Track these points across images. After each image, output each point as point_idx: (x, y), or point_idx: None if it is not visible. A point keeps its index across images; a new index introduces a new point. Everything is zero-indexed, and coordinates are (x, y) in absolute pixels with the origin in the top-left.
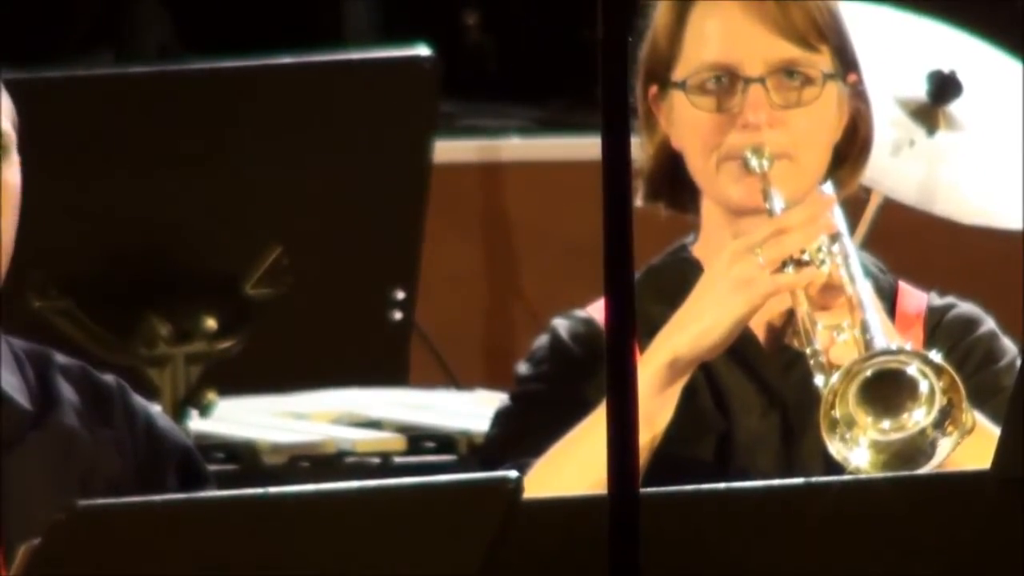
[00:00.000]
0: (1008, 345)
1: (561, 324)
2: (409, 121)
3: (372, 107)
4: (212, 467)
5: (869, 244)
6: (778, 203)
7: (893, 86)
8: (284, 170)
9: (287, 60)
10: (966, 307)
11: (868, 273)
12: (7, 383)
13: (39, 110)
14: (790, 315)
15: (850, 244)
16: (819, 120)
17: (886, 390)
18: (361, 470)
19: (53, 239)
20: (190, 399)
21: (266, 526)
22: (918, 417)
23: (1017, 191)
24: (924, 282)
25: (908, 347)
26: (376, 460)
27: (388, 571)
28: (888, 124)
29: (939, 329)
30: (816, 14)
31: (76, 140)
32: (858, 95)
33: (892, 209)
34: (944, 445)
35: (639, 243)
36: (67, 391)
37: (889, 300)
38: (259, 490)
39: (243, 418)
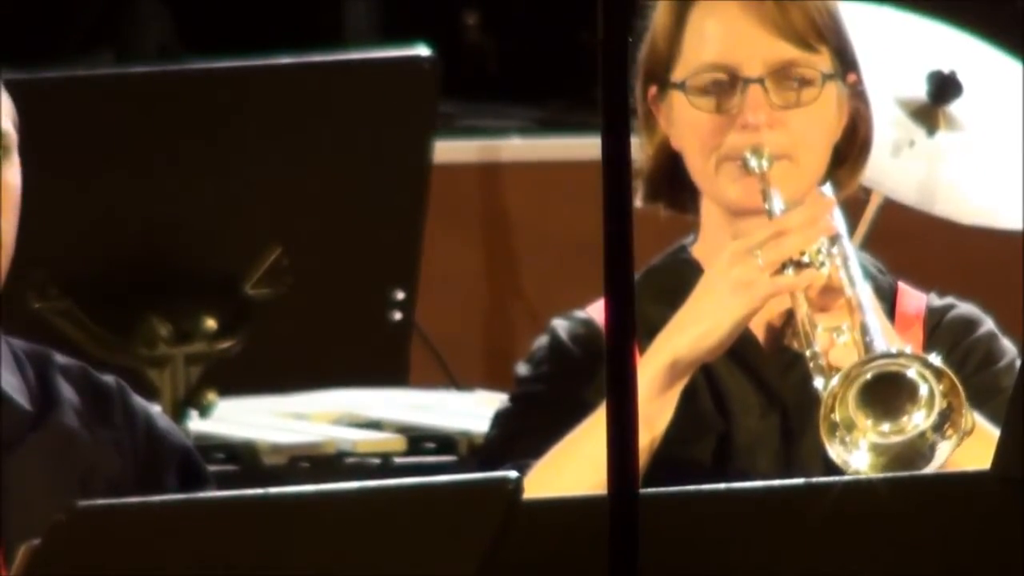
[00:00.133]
0: (1008, 346)
1: (561, 325)
2: (409, 121)
3: (372, 107)
4: (212, 467)
5: (869, 244)
6: (777, 203)
7: (893, 86)
8: (284, 170)
9: (287, 60)
10: (966, 308)
11: (868, 274)
12: (7, 383)
13: (39, 110)
14: (790, 316)
15: (850, 246)
16: (818, 121)
17: (886, 393)
18: (361, 470)
19: (53, 239)
20: (190, 399)
21: (266, 526)
22: (918, 420)
23: (1017, 191)
24: (924, 282)
25: (908, 350)
26: (376, 460)
27: (388, 571)
28: (888, 124)
29: (939, 330)
30: (815, 15)
31: (76, 140)
32: (858, 95)
33: (892, 209)
34: (943, 448)
35: (639, 243)
36: (67, 391)
37: (889, 301)
38: (259, 490)
39: (243, 418)
